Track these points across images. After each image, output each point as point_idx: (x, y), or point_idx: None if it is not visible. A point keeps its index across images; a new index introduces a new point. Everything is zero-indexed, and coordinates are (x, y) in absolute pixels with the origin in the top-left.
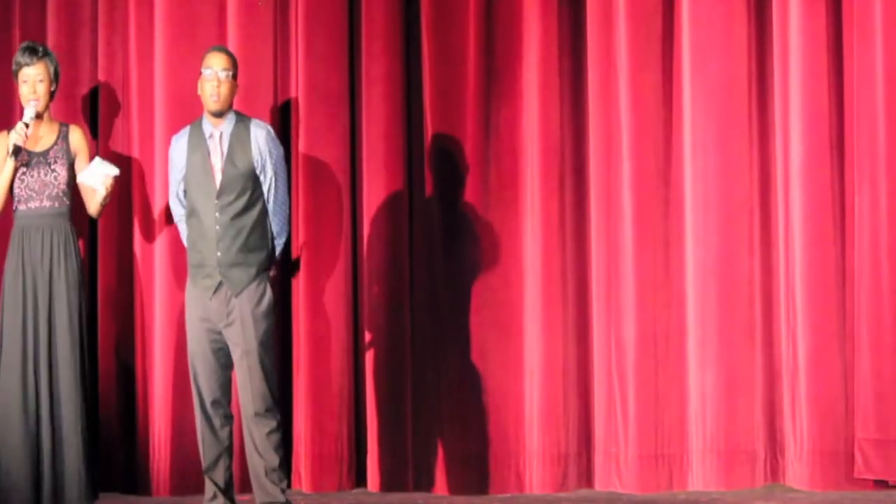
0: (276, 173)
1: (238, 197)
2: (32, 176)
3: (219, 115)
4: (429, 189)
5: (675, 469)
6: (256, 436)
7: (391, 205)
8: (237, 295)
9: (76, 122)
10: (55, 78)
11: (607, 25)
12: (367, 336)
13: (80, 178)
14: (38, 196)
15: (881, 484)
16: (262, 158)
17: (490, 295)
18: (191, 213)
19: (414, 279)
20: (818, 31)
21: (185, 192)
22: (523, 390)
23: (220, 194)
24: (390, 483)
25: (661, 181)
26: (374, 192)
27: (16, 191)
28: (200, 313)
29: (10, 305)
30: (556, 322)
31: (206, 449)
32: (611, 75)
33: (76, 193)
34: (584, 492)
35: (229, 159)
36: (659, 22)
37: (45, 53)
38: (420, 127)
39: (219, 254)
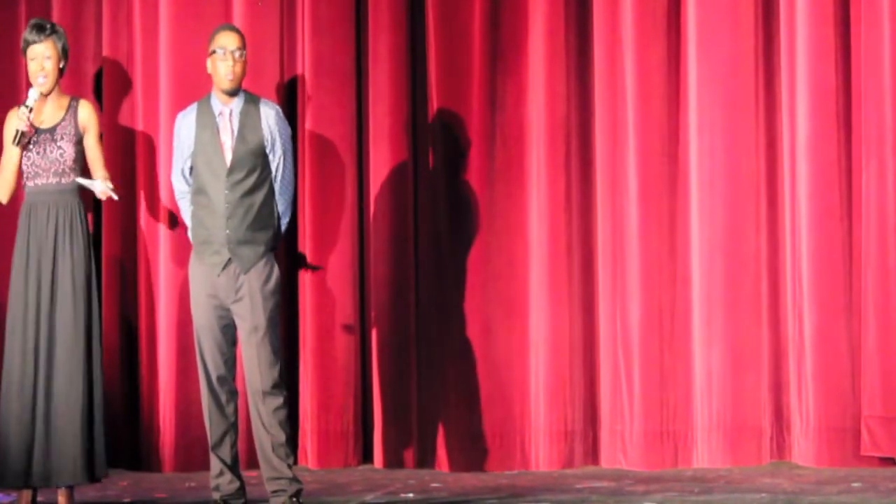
0: (284, 153)
1: (248, 175)
2: (39, 153)
3: (233, 93)
4: (434, 165)
5: (680, 446)
6: (263, 412)
7: (397, 181)
8: (246, 272)
9: (81, 97)
10: (64, 54)
11: (613, 1)
12: (373, 313)
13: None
14: (45, 172)
15: (887, 461)
16: (272, 137)
17: (495, 271)
18: (198, 191)
19: (419, 255)
20: (825, 6)
21: (191, 169)
22: (528, 367)
23: (230, 172)
24: (396, 460)
25: (667, 158)
26: (380, 168)
27: (24, 167)
28: (208, 289)
29: (17, 282)
30: (561, 298)
31: (212, 426)
32: (616, 51)
33: (85, 168)
34: (589, 469)
35: (240, 137)
36: None
37: (53, 30)
38: (426, 103)
39: (228, 231)
